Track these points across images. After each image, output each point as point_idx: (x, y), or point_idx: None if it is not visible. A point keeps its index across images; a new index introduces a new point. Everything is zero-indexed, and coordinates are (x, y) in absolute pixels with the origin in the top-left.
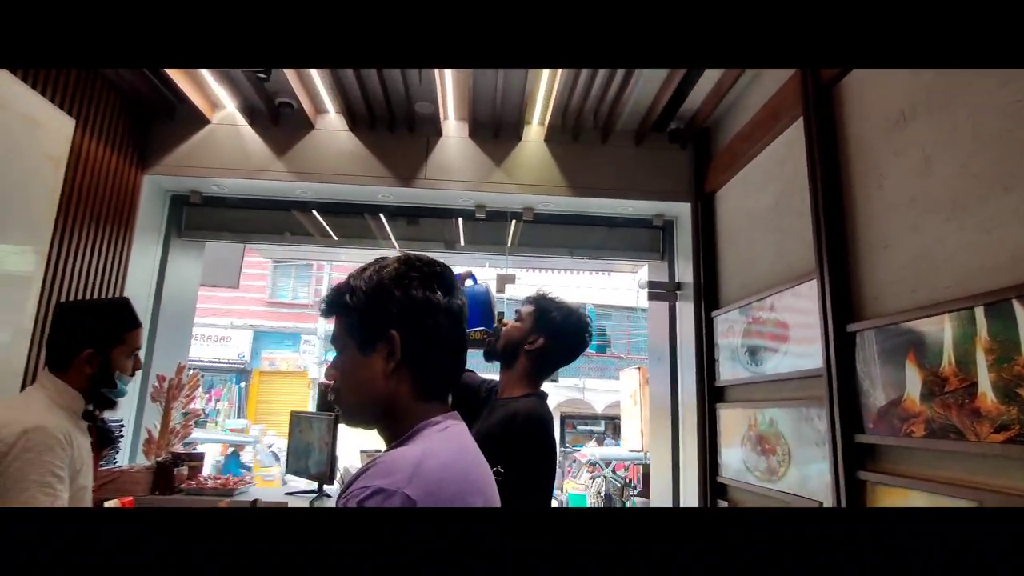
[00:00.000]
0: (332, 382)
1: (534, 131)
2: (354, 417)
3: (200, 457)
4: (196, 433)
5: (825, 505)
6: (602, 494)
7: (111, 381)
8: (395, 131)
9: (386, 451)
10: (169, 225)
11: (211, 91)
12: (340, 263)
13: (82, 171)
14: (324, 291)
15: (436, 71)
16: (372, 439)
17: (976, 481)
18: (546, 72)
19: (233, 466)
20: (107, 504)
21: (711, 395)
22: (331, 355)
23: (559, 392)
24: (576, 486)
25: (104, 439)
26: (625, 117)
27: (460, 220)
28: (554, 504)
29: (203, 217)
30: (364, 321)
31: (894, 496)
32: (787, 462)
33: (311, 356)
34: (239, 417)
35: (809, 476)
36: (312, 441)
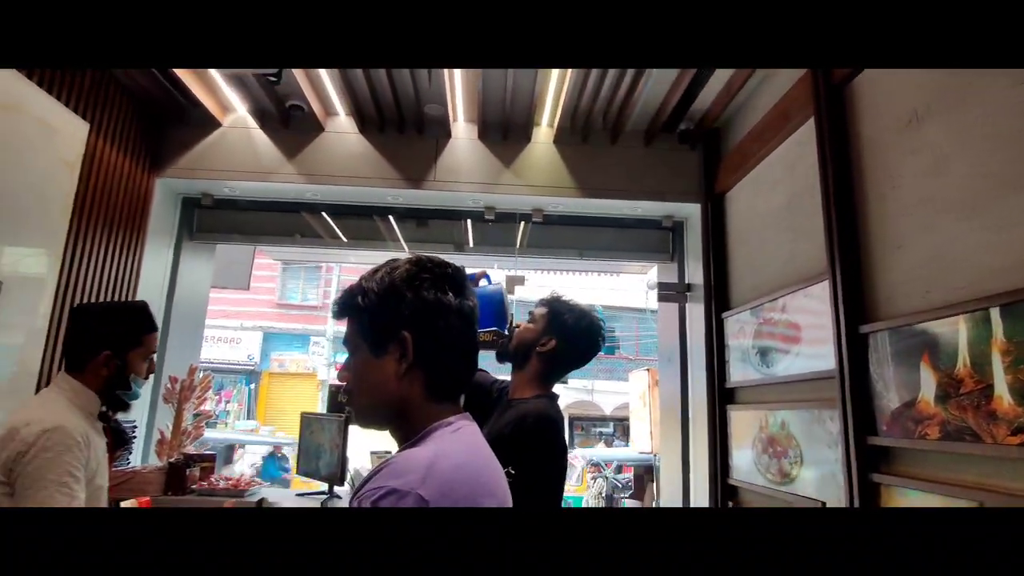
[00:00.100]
0: (344, 383)
1: (543, 132)
2: (367, 418)
3: (212, 458)
4: (216, 434)
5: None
6: (603, 495)
7: (126, 383)
8: (404, 133)
9: (398, 452)
10: (181, 228)
11: (222, 94)
12: (349, 265)
13: (96, 174)
14: (333, 293)
15: (445, 73)
16: (381, 440)
17: (993, 484)
18: (555, 73)
19: (272, 468)
20: (124, 504)
21: (722, 397)
22: (340, 357)
23: (568, 394)
24: (568, 487)
25: (118, 440)
26: (634, 118)
27: (469, 222)
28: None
29: (214, 219)
30: (376, 322)
31: (908, 499)
32: (799, 464)
33: (320, 358)
34: (248, 418)
35: (821, 478)
36: (322, 442)
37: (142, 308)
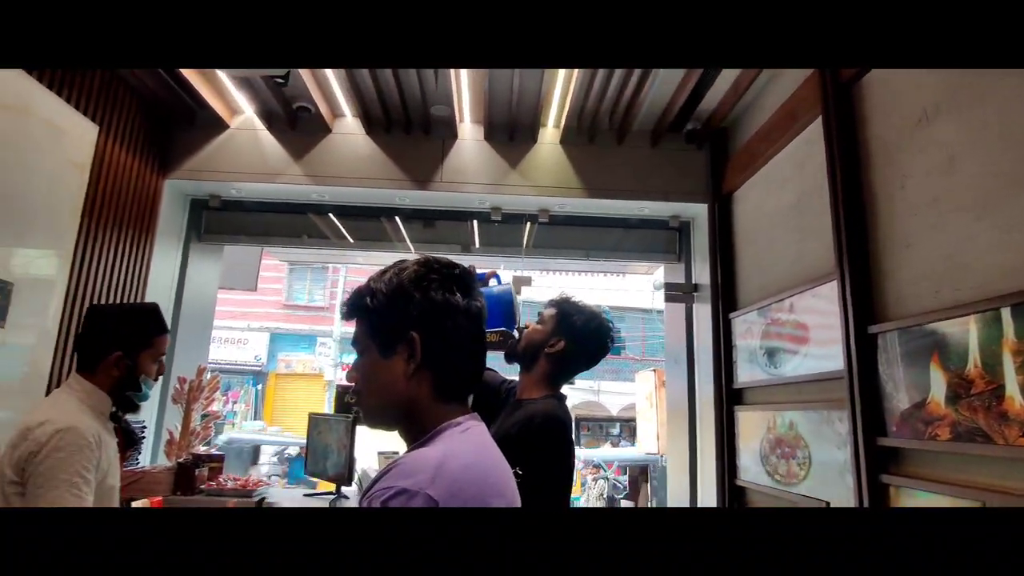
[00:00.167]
0: (353, 384)
1: (549, 133)
2: (375, 419)
3: (220, 459)
4: (242, 434)
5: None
6: (604, 496)
7: (136, 384)
8: (411, 134)
9: (407, 452)
10: (189, 229)
11: (230, 96)
12: (356, 266)
13: (105, 176)
14: (340, 294)
15: (452, 74)
16: (388, 441)
17: (1004, 486)
18: (562, 73)
19: (299, 469)
20: (136, 504)
21: (729, 397)
22: (347, 357)
23: (574, 394)
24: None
25: (128, 440)
26: (641, 118)
27: (475, 223)
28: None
29: (222, 221)
30: (384, 323)
31: (918, 500)
32: (807, 465)
33: (327, 359)
34: (255, 419)
35: (830, 479)
36: (330, 443)
37: (153, 310)
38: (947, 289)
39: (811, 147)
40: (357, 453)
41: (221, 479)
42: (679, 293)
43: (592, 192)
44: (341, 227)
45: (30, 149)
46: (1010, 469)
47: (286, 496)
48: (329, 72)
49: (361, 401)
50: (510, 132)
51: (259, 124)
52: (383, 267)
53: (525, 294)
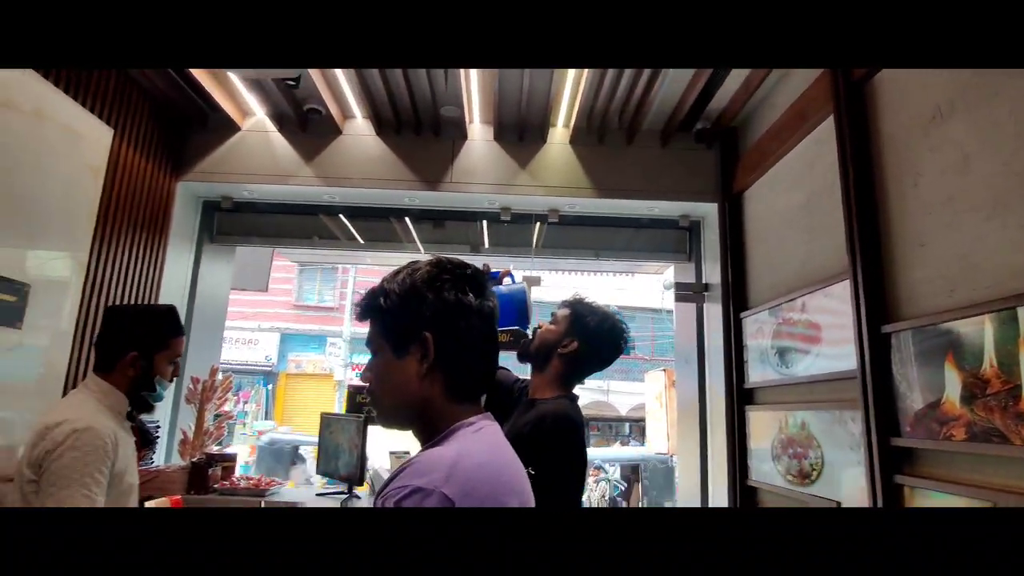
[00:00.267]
0: (367, 384)
1: (559, 133)
2: (389, 419)
3: (233, 458)
4: (281, 435)
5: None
6: (606, 498)
7: (151, 385)
8: (421, 135)
9: (421, 451)
10: (201, 231)
11: (242, 99)
12: (365, 266)
13: (120, 179)
14: (349, 294)
15: (462, 74)
16: (399, 441)
17: (1021, 486)
18: (571, 73)
19: None
20: (156, 503)
21: (740, 397)
22: (356, 357)
23: (583, 394)
24: None
25: (144, 440)
26: (651, 117)
27: (485, 223)
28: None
29: (234, 222)
30: (398, 323)
31: (933, 501)
32: (820, 465)
33: (337, 359)
34: (266, 419)
35: (843, 480)
36: (341, 443)
37: (169, 311)
38: (962, 288)
39: (822, 146)
40: (368, 452)
41: (234, 478)
42: (689, 293)
43: (602, 192)
44: (351, 228)
45: (47, 153)
46: None
47: (297, 496)
48: (339, 73)
49: (375, 401)
50: (520, 132)
51: (270, 126)
52: (396, 268)
53: (535, 294)
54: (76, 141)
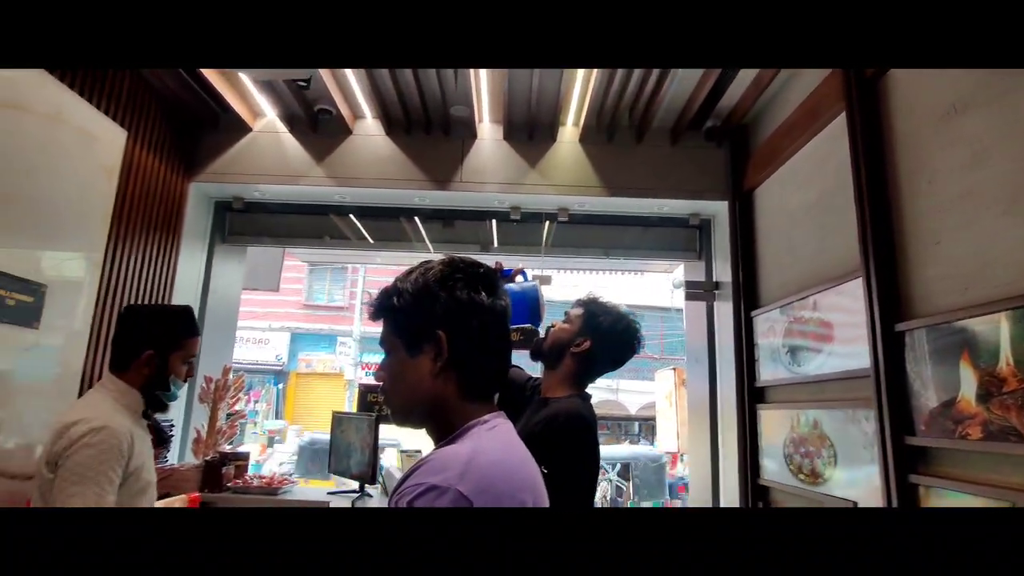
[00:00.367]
0: (381, 383)
1: (569, 132)
2: (403, 417)
3: (245, 457)
4: (319, 435)
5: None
6: (608, 499)
7: (166, 384)
8: (431, 135)
9: (435, 449)
10: (213, 231)
11: (253, 100)
12: (375, 266)
13: (133, 180)
14: (359, 293)
15: (471, 74)
16: (408, 440)
17: None
18: (581, 72)
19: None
20: (175, 500)
21: (751, 396)
22: (367, 357)
23: (593, 393)
24: None
25: (159, 438)
26: (660, 116)
27: (494, 222)
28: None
29: (245, 222)
30: (411, 322)
31: (949, 501)
32: (832, 464)
33: (347, 358)
34: (277, 418)
35: (856, 479)
36: (353, 441)
37: (186, 312)
38: (977, 286)
39: (834, 143)
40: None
41: (247, 477)
42: (700, 291)
43: (611, 190)
44: (361, 228)
45: (62, 154)
46: None
47: (309, 494)
48: (350, 74)
49: (388, 400)
50: (529, 131)
51: (281, 127)
52: (408, 267)
53: (544, 293)
54: (91, 143)
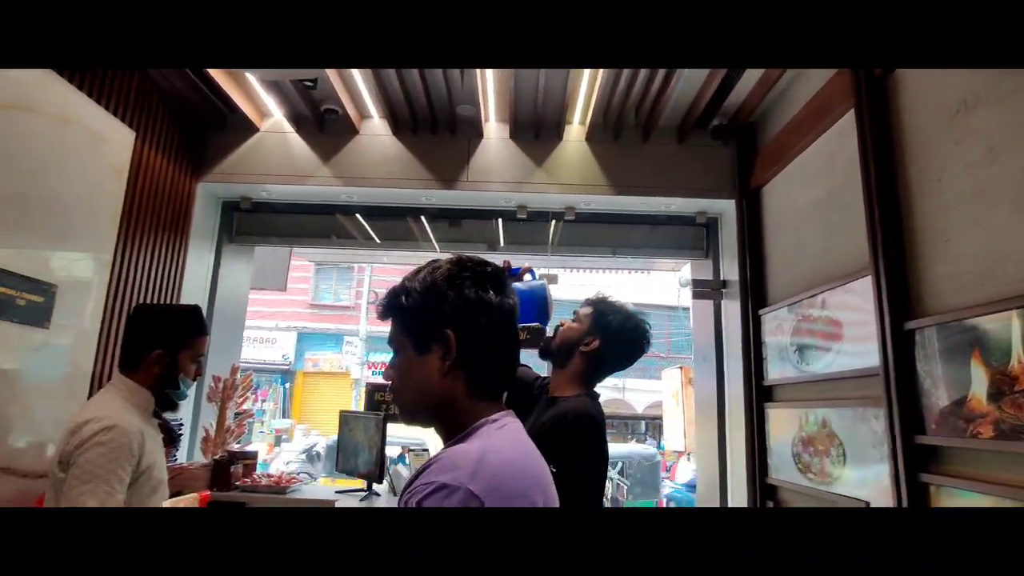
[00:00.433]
0: (389, 382)
1: (575, 131)
2: (411, 416)
3: (254, 455)
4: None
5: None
6: (609, 499)
7: (175, 383)
8: (437, 134)
9: (445, 448)
10: (221, 231)
11: (260, 100)
12: (381, 265)
13: (142, 181)
14: (365, 293)
15: (478, 73)
16: (414, 439)
17: None
18: (587, 71)
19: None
20: (186, 499)
21: (759, 395)
22: (373, 356)
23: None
24: None
25: (169, 437)
26: (667, 114)
27: (501, 221)
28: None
29: (252, 222)
30: (419, 321)
31: (960, 500)
32: (842, 463)
33: (353, 357)
34: (284, 417)
35: (866, 478)
36: (361, 440)
37: (194, 311)
38: (988, 283)
39: (843, 140)
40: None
41: (255, 475)
42: (707, 290)
43: (618, 189)
44: (368, 227)
45: (71, 155)
46: None
47: (318, 493)
48: (356, 74)
49: (397, 399)
50: (536, 130)
51: (288, 127)
52: (416, 266)
53: (551, 292)
54: (99, 144)
